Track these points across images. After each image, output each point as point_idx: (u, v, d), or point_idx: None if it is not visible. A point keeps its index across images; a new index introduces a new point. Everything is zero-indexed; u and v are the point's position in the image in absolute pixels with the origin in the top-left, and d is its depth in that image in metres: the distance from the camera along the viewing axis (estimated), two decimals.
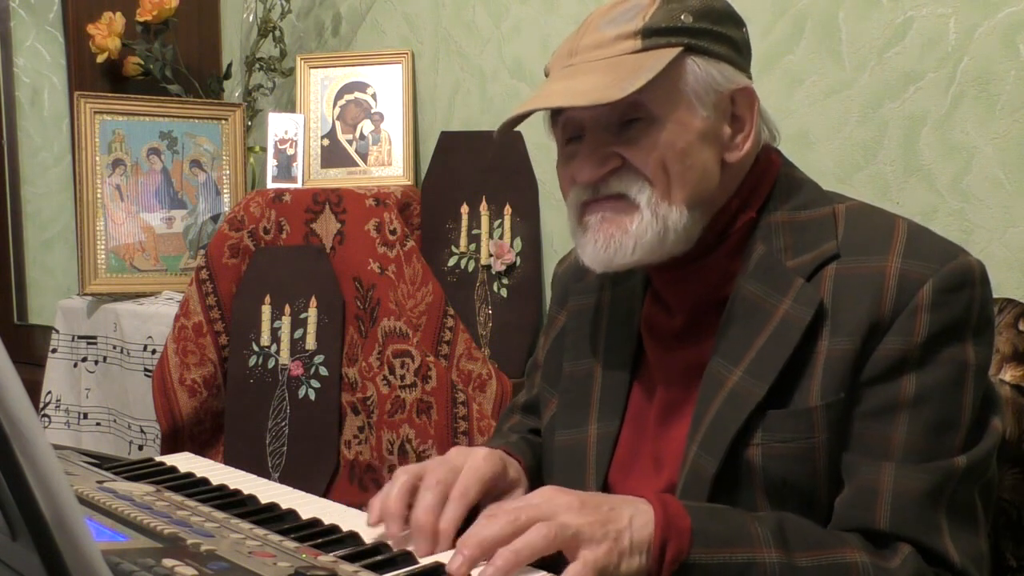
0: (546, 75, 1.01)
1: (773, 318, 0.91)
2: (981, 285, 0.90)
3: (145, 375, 2.10)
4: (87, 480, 0.99)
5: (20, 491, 0.41)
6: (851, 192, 1.21)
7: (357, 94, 2.30)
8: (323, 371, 1.97)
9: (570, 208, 0.99)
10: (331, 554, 0.79)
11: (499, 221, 2.05)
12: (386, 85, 2.28)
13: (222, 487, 1.03)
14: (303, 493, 1.02)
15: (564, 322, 1.14)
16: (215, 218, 2.35)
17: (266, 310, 2.01)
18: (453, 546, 0.83)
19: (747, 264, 0.96)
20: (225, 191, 2.36)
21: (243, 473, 1.11)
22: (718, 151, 0.96)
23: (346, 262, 1.99)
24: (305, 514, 0.92)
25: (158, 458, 1.17)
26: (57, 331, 2.34)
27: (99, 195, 2.27)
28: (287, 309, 2.00)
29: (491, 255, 2.04)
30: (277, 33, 2.40)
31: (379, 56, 2.30)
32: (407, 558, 0.82)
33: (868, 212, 0.97)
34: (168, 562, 0.69)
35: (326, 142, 2.29)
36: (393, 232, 1.98)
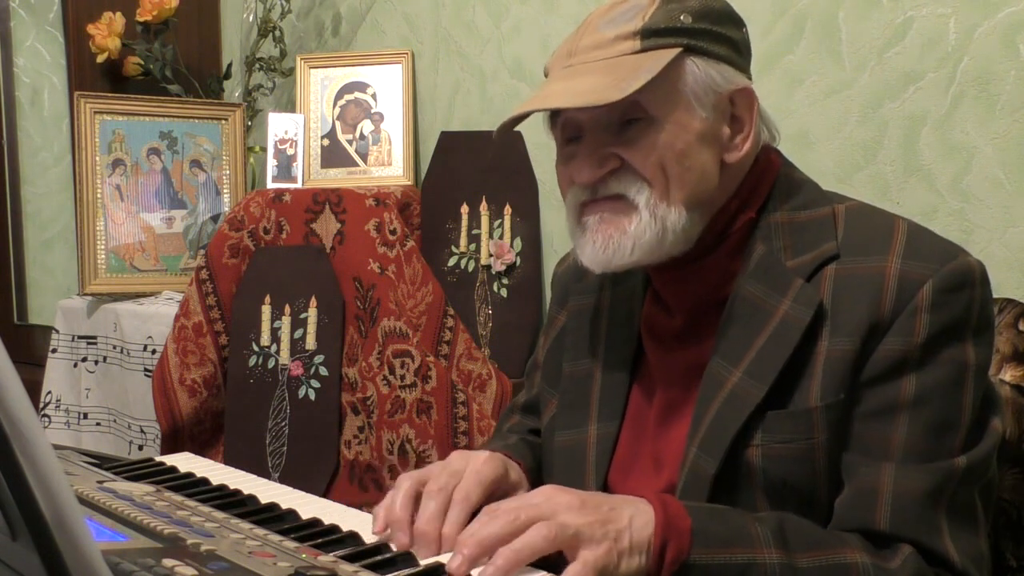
0: (545, 75, 1.01)
1: (773, 318, 0.91)
2: (981, 285, 0.90)
3: (145, 375, 2.10)
4: (87, 480, 0.99)
5: (20, 491, 0.41)
6: (851, 192, 1.21)
7: (357, 94, 2.30)
8: (323, 371, 1.97)
9: (569, 208, 0.99)
10: (331, 554, 0.79)
11: (499, 221, 2.05)
12: (386, 85, 2.28)
13: (222, 487, 1.03)
14: (303, 493, 1.02)
15: (564, 322, 1.14)
16: (215, 218, 2.35)
17: (266, 310, 2.01)
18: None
19: (747, 264, 0.96)
20: (225, 191, 2.36)
21: (243, 473, 1.11)
22: (717, 152, 0.95)
23: (346, 262, 1.99)
24: (305, 514, 0.92)
25: (158, 458, 1.17)
26: (57, 331, 2.34)
27: (99, 195, 2.27)
28: (287, 309, 2.00)
29: (491, 255, 2.04)
30: (277, 33, 2.40)
31: (379, 56, 2.30)
32: (407, 558, 0.82)
33: (868, 212, 0.97)
34: (168, 562, 0.69)
35: (326, 142, 2.29)
36: (393, 232, 1.98)
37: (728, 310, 0.95)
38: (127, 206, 2.30)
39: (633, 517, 0.80)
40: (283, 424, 1.97)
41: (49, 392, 2.33)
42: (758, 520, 0.84)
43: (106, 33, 2.37)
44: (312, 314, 1.99)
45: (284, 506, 0.94)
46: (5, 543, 0.48)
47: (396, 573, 0.78)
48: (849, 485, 0.88)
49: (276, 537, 0.82)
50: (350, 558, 0.79)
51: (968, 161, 1.50)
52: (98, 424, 2.28)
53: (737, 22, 0.98)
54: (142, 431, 2.14)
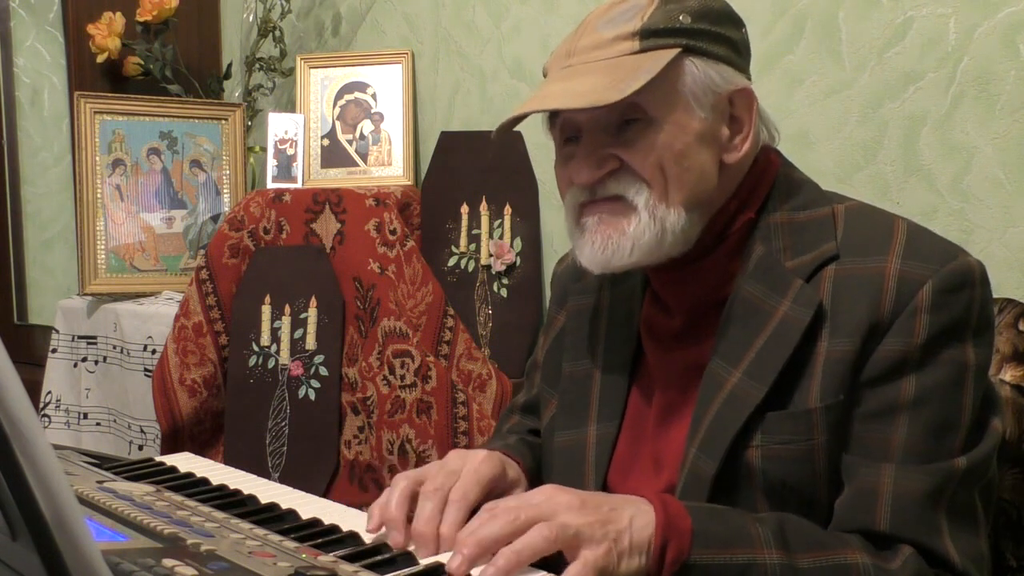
0: (544, 75, 1.01)
1: (772, 319, 0.91)
2: (981, 286, 0.90)
3: (145, 375, 2.10)
4: (87, 480, 0.99)
5: (20, 491, 0.41)
6: (851, 192, 1.21)
7: (357, 94, 2.30)
8: (323, 371, 1.97)
9: (568, 209, 0.99)
10: (331, 554, 0.79)
11: (499, 221, 2.05)
12: (386, 85, 2.28)
13: (222, 487, 1.03)
14: (303, 493, 1.02)
15: (563, 322, 1.14)
16: (215, 218, 2.35)
17: (266, 310, 2.01)
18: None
19: (746, 265, 0.96)
20: (225, 191, 2.36)
21: (243, 473, 1.11)
22: (716, 152, 0.95)
23: (346, 262, 1.99)
24: (305, 514, 0.92)
25: (158, 458, 1.17)
26: (57, 331, 2.34)
27: (99, 195, 2.27)
28: (287, 309, 2.00)
29: (491, 255, 2.04)
30: (277, 33, 2.40)
31: (379, 56, 2.30)
32: (407, 558, 0.82)
33: (867, 212, 0.97)
34: (168, 562, 0.69)
35: (326, 142, 2.29)
36: (393, 232, 1.98)
37: (727, 311, 0.95)
38: (127, 206, 2.30)
39: (633, 517, 0.80)
40: (283, 424, 1.97)
41: (49, 392, 2.33)
42: (758, 520, 0.84)
43: (106, 33, 2.37)
44: (312, 314, 1.99)
45: (284, 506, 0.94)
46: (5, 543, 0.48)
47: (396, 573, 0.78)
48: (849, 486, 0.88)
49: (276, 537, 0.82)
50: (350, 558, 0.79)
51: (968, 161, 1.50)
52: (98, 424, 2.28)
53: (736, 22, 0.98)
54: (142, 431, 2.14)
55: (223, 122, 2.36)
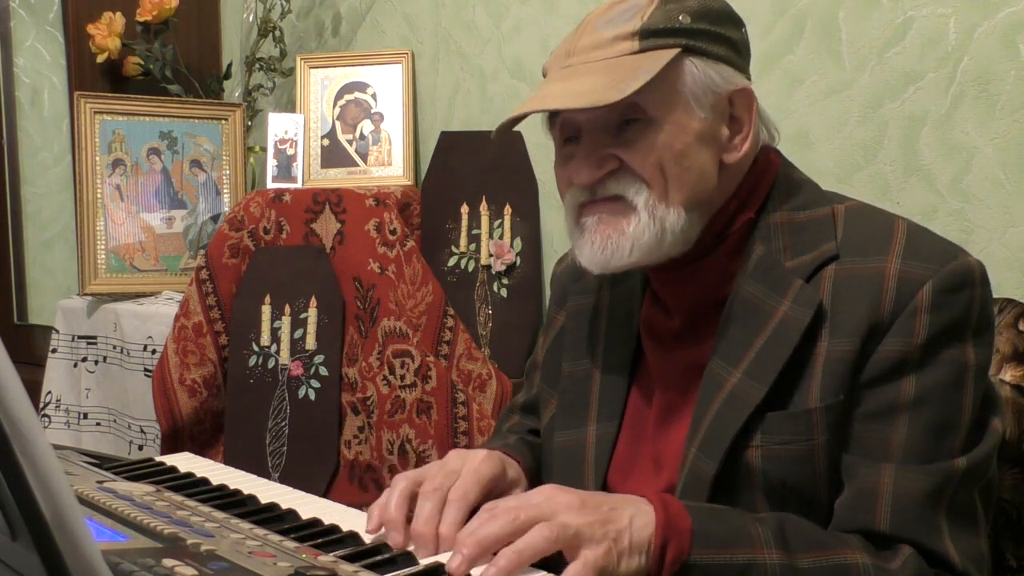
0: (544, 75, 1.01)
1: (772, 319, 0.91)
2: (981, 286, 0.90)
3: (145, 375, 2.10)
4: (87, 480, 0.99)
5: (20, 491, 0.41)
6: (851, 192, 1.21)
7: (357, 94, 2.30)
8: (323, 371, 1.97)
9: (567, 209, 0.99)
10: (331, 554, 0.79)
11: (499, 221, 2.05)
12: (386, 85, 2.28)
13: (222, 487, 1.03)
14: (303, 493, 1.02)
15: (563, 322, 1.13)
16: (215, 218, 2.35)
17: (266, 310, 2.01)
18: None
19: (746, 265, 0.96)
20: (225, 191, 2.36)
21: (243, 473, 1.11)
22: (716, 152, 0.95)
23: (346, 262, 1.99)
24: (305, 514, 0.92)
25: (158, 458, 1.17)
26: (57, 331, 2.34)
27: (99, 195, 2.27)
28: (287, 309, 2.00)
29: (491, 255, 2.04)
30: (277, 33, 2.40)
31: (379, 56, 2.30)
32: (407, 558, 0.82)
33: (867, 212, 0.97)
34: (168, 562, 0.69)
35: (326, 142, 2.29)
36: (393, 232, 1.98)
37: (727, 311, 0.95)
38: (127, 206, 2.30)
39: (633, 517, 0.80)
40: (283, 424, 1.97)
41: (49, 392, 2.33)
42: (758, 520, 0.84)
43: (106, 33, 2.37)
44: (312, 314, 1.99)
45: (284, 506, 0.94)
46: (5, 543, 0.48)
47: (396, 573, 0.78)
48: (849, 486, 0.88)
49: (276, 537, 0.82)
50: (350, 558, 0.79)
51: (968, 161, 1.50)
52: (98, 424, 2.28)
53: (736, 22, 0.98)
54: (142, 431, 2.14)
55: (223, 122, 2.36)
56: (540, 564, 0.79)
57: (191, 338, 2.02)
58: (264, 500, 0.97)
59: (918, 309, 0.87)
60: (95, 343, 2.27)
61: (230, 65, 2.55)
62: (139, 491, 0.96)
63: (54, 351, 2.34)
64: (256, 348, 2.00)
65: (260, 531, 0.84)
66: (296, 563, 0.74)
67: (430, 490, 0.89)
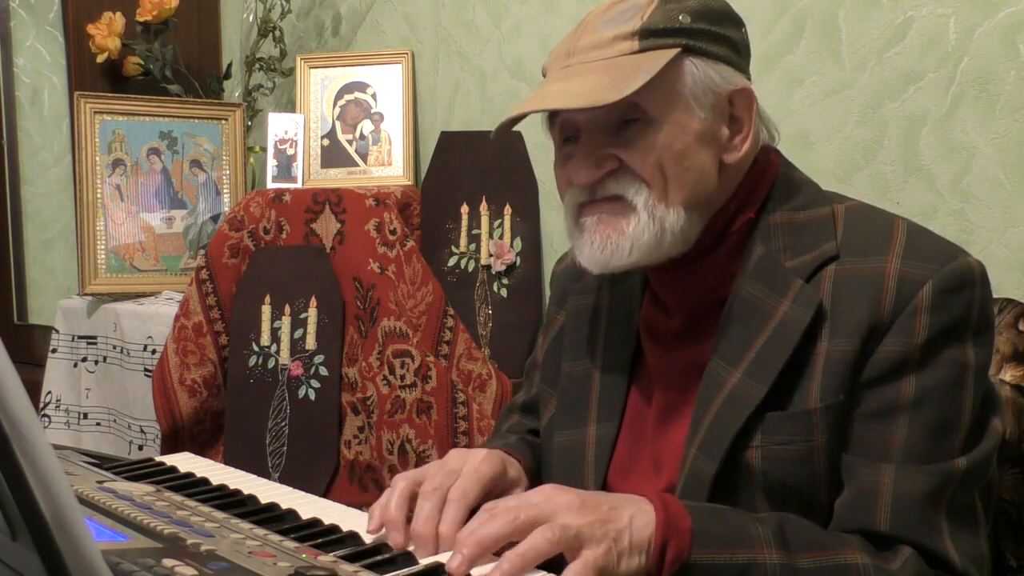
0: (543, 75, 1.01)
1: (772, 319, 0.91)
2: (981, 286, 0.90)
3: (145, 375, 2.10)
4: (87, 480, 0.99)
5: (20, 491, 0.41)
6: (851, 192, 1.21)
7: (357, 94, 2.30)
8: (323, 371, 1.97)
9: (567, 209, 0.99)
10: (331, 554, 0.79)
11: (499, 221, 2.05)
12: (386, 85, 2.28)
13: (222, 487, 1.03)
14: (303, 493, 1.02)
15: (563, 322, 1.13)
16: (215, 218, 2.35)
17: (266, 310, 2.01)
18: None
19: (746, 265, 0.95)
20: (225, 191, 2.36)
21: (243, 473, 1.11)
22: (716, 152, 0.95)
23: (346, 262, 1.99)
24: (305, 514, 0.92)
25: (158, 458, 1.17)
26: (57, 331, 2.34)
27: (99, 195, 2.27)
28: (287, 309, 2.00)
29: (491, 255, 2.04)
30: (277, 33, 2.40)
31: (379, 56, 2.30)
32: (407, 558, 0.82)
33: (867, 212, 0.97)
34: (168, 562, 0.69)
35: (326, 142, 2.29)
36: (393, 232, 1.98)
37: (727, 311, 0.95)
38: (127, 206, 2.30)
39: (634, 517, 0.80)
40: (283, 424, 1.97)
41: (49, 392, 2.33)
42: (759, 520, 0.84)
43: (106, 33, 2.37)
44: (312, 314, 1.99)
45: (284, 506, 0.94)
46: (5, 543, 0.48)
47: (396, 573, 0.78)
48: (849, 486, 0.88)
49: (276, 537, 0.82)
50: (350, 558, 0.79)
51: (968, 161, 1.50)
52: (98, 424, 2.28)
53: (736, 22, 0.98)
54: (142, 431, 2.14)
55: (223, 122, 2.36)
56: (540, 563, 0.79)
57: (191, 338, 2.02)
58: (264, 500, 0.97)
59: (918, 309, 0.87)
60: (95, 343, 2.27)
61: (230, 65, 2.55)
62: (139, 491, 0.96)
63: (54, 351, 2.34)
64: (256, 348, 2.00)
65: (260, 531, 0.84)
66: (296, 563, 0.74)
67: (429, 490, 0.89)
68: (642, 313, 1.04)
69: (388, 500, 0.89)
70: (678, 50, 0.92)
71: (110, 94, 2.34)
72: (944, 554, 0.84)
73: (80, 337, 2.30)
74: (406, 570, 0.79)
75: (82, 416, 2.30)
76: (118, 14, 2.38)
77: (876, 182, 1.60)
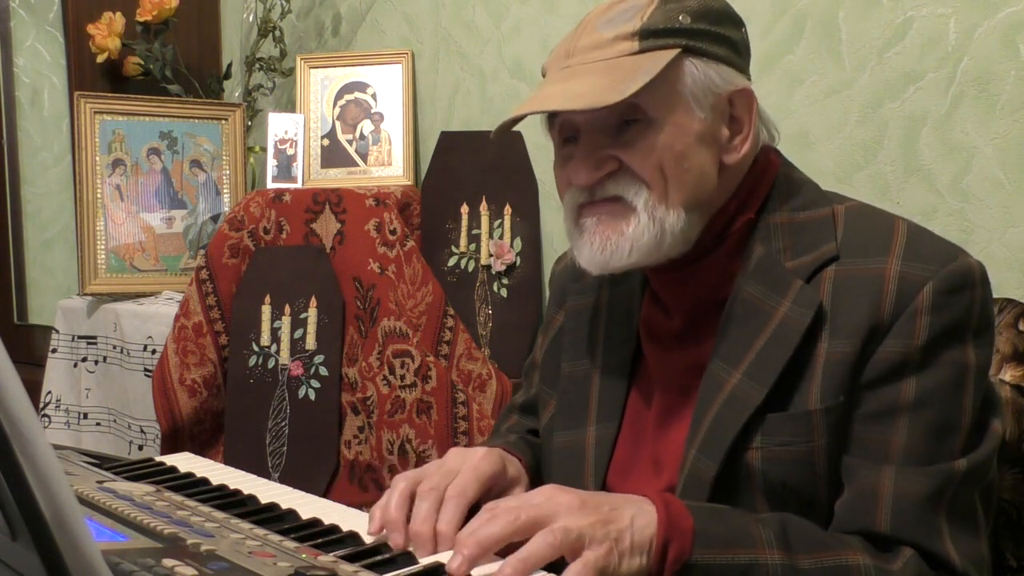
0: (543, 75, 1.00)
1: (772, 320, 0.91)
2: (981, 286, 0.90)
3: (145, 375, 2.10)
4: (87, 480, 0.99)
5: (20, 491, 0.41)
6: (851, 192, 1.21)
7: (357, 94, 2.30)
8: (323, 371, 1.97)
9: (566, 210, 0.99)
10: (331, 554, 0.79)
11: (499, 221, 2.05)
12: (386, 85, 2.28)
13: (222, 487, 1.03)
14: (303, 493, 1.02)
15: (562, 322, 1.13)
16: (215, 218, 2.35)
17: (266, 310, 2.01)
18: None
19: (746, 265, 0.95)
20: (225, 191, 2.36)
21: (243, 473, 1.11)
22: (716, 153, 0.95)
23: (346, 262, 1.99)
24: (305, 514, 0.92)
25: (158, 458, 1.17)
26: (57, 331, 2.34)
27: (99, 195, 2.27)
28: (287, 309, 2.00)
29: (491, 255, 2.04)
30: (277, 33, 2.40)
31: (379, 56, 2.30)
32: (407, 558, 0.82)
33: (867, 213, 0.97)
34: (168, 562, 0.69)
35: (326, 142, 2.29)
36: (393, 232, 1.98)
37: (727, 311, 0.95)
38: (127, 206, 2.30)
39: (635, 517, 0.80)
40: (283, 424, 1.97)
41: (49, 392, 2.33)
42: (760, 521, 0.84)
43: (106, 33, 2.37)
44: (312, 314, 1.99)
45: (284, 506, 0.94)
46: (5, 543, 0.48)
47: (396, 573, 0.78)
48: (849, 488, 0.88)
49: (276, 537, 0.82)
50: (350, 558, 0.79)
51: (968, 161, 1.50)
52: (98, 424, 2.28)
53: (736, 22, 0.98)
54: (142, 431, 2.14)
55: (223, 122, 2.36)
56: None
57: (191, 338, 2.02)
58: (264, 500, 0.97)
59: (918, 310, 0.87)
60: (95, 343, 2.27)
61: (230, 65, 2.55)
62: (139, 491, 0.96)
63: (54, 351, 2.34)
64: (256, 348, 2.00)
65: (260, 531, 0.84)
66: (296, 563, 0.74)
67: (427, 489, 0.89)
68: (642, 313, 1.04)
69: (388, 501, 0.89)
70: (678, 51, 0.92)
71: (110, 94, 2.34)
72: (945, 555, 0.84)
73: (80, 337, 2.30)
74: (406, 570, 0.79)
75: (82, 416, 2.30)
76: (118, 14, 2.38)
77: (876, 182, 1.60)
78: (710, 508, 0.86)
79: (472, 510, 0.88)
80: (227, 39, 2.71)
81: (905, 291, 0.87)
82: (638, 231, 0.92)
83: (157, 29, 2.39)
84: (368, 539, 0.86)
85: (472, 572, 0.78)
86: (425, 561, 0.82)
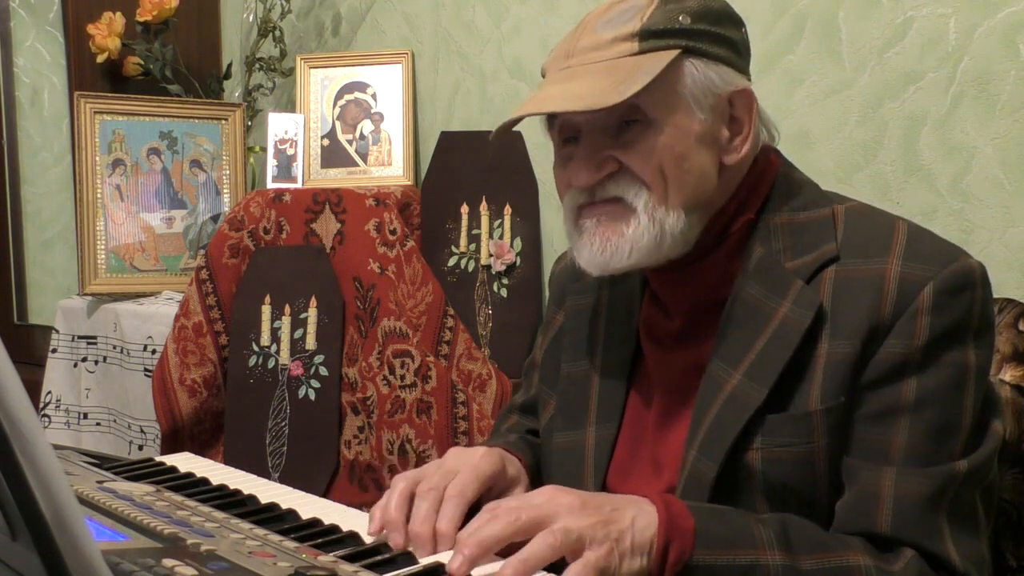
0: (542, 75, 1.00)
1: (772, 321, 0.91)
2: (982, 287, 0.90)
3: (145, 375, 2.10)
4: (87, 480, 0.99)
5: (20, 491, 0.41)
6: (851, 192, 1.21)
7: (357, 94, 2.30)
8: (323, 371, 1.97)
9: (566, 211, 0.99)
10: (331, 554, 0.79)
11: (499, 221, 2.05)
12: (386, 85, 2.28)
13: (222, 487, 1.03)
14: (303, 493, 1.02)
15: (562, 322, 1.13)
16: (215, 218, 2.35)
17: (266, 310, 2.01)
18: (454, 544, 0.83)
19: (746, 266, 0.95)
20: (225, 191, 2.36)
21: (243, 473, 1.11)
22: (716, 154, 0.95)
23: (346, 262, 1.99)
24: (305, 514, 0.92)
25: (158, 458, 1.17)
26: (57, 331, 2.34)
27: (99, 195, 2.27)
28: (287, 309, 2.00)
29: (491, 255, 2.04)
30: (277, 33, 2.40)
31: (379, 56, 2.30)
32: (407, 558, 0.82)
33: (868, 213, 0.97)
34: (168, 562, 0.69)
35: (326, 142, 2.29)
36: (393, 232, 1.98)
37: (727, 312, 0.95)
38: (127, 206, 2.30)
39: (636, 518, 0.80)
40: (283, 424, 1.97)
41: (49, 392, 2.33)
42: (761, 522, 0.84)
43: (106, 33, 2.37)
44: (312, 314, 1.99)
45: (284, 506, 0.94)
46: (5, 543, 0.48)
47: (396, 573, 0.78)
48: (850, 489, 0.88)
49: (276, 537, 0.82)
50: (350, 558, 0.79)
51: (968, 161, 1.50)
52: (98, 424, 2.28)
53: (736, 22, 0.98)
54: (142, 431, 2.14)
55: (223, 122, 2.36)
56: None
57: (191, 338, 2.02)
58: (264, 500, 0.96)
59: (919, 311, 0.87)
60: (95, 343, 2.27)
61: (230, 65, 2.55)
62: (139, 491, 0.96)
63: (54, 351, 2.34)
64: (256, 348, 2.00)
65: (260, 531, 0.84)
66: (296, 563, 0.74)
67: (426, 489, 0.89)
68: (642, 314, 1.04)
69: (387, 501, 0.89)
70: (678, 51, 0.92)
71: (110, 94, 2.34)
72: (945, 556, 0.84)
73: (80, 337, 2.30)
74: (406, 570, 0.79)
75: (82, 416, 2.30)
76: (118, 14, 2.38)
77: (876, 182, 1.60)
78: (711, 509, 0.86)
79: (473, 510, 0.88)
80: (227, 39, 2.71)
81: (906, 292, 0.87)
82: (638, 232, 0.92)
83: (157, 29, 2.39)
84: (368, 539, 0.86)
85: (472, 572, 0.77)
86: (425, 561, 0.82)
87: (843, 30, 1.62)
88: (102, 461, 1.14)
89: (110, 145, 2.28)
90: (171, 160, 2.33)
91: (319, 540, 0.84)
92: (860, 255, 0.91)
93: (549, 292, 1.23)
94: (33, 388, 2.34)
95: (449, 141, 2.12)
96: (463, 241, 2.06)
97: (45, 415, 2.32)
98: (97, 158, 2.27)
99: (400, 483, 0.91)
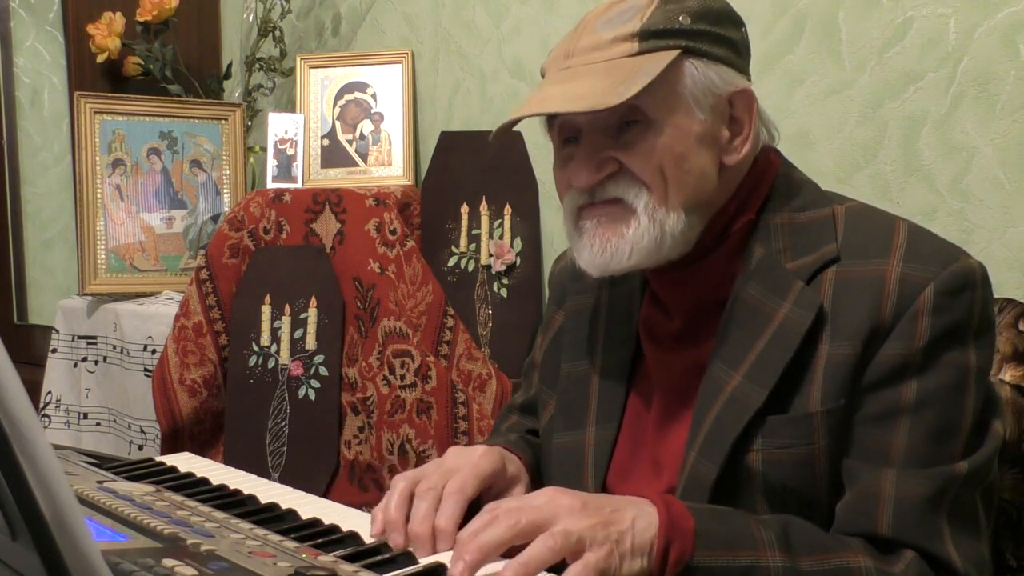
0: (542, 76, 1.00)
1: (773, 321, 0.91)
2: (982, 287, 0.90)
3: (145, 375, 2.10)
4: (87, 480, 0.99)
5: (20, 491, 0.41)
6: (851, 192, 1.21)
7: (357, 94, 2.30)
8: (323, 371, 1.97)
9: (566, 212, 0.99)
10: (331, 554, 0.79)
11: (499, 221, 2.05)
12: (386, 85, 2.28)
13: (222, 487, 1.03)
14: (303, 493, 1.02)
15: (562, 322, 1.13)
16: (215, 218, 2.35)
17: (266, 310, 2.01)
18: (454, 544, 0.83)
19: (746, 266, 0.95)
20: (225, 191, 2.36)
21: (243, 473, 1.11)
22: (716, 154, 0.95)
23: (346, 262, 1.99)
24: (305, 514, 0.92)
25: (158, 458, 1.17)
26: (57, 331, 2.34)
27: (99, 195, 2.27)
28: (287, 309, 2.00)
29: (491, 255, 2.04)
30: (277, 33, 2.40)
31: (379, 56, 2.30)
32: (407, 558, 0.82)
33: (868, 213, 0.97)
34: (168, 562, 0.69)
35: (326, 142, 2.29)
36: (393, 232, 1.98)
37: (728, 312, 0.95)
38: (127, 206, 2.30)
39: (636, 519, 0.80)
40: (283, 424, 1.97)
41: (49, 392, 2.33)
42: (761, 523, 0.84)
43: (106, 33, 2.37)
44: (312, 314, 1.99)
45: (284, 506, 0.94)
46: (5, 543, 0.48)
47: (396, 573, 0.78)
48: (850, 490, 0.88)
49: (276, 537, 0.82)
50: (350, 558, 0.79)
51: (968, 161, 1.50)
52: (98, 424, 2.28)
53: (736, 22, 0.98)
54: (142, 431, 2.14)
55: (223, 122, 2.36)
56: None
57: (191, 338, 2.02)
58: (264, 500, 0.96)
59: (920, 312, 0.87)
60: (95, 343, 2.27)
61: (230, 65, 2.55)
62: (139, 491, 0.96)
63: (54, 351, 2.34)
64: (256, 348, 2.00)
65: (260, 531, 0.84)
66: (296, 563, 0.74)
67: (425, 489, 0.89)
68: (642, 314, 1.04)
69: (388, 502, 0.89)
70: (678, 52, 0.91)
71: (110, 94, 2.34)
72: (946, 557, 0.84)
73: (80, 337, 2.30)
74: (406, 570, 0.79)
75: (82, 416, 2.30)
76: (118, 14, 2.38)
77: (876, 182, 1.60)
78: (711, 509, 0.86)
79: (473, 508, 0.88)
80: (227, 39, 2.71)
81: (906, 293, 0.87)
82: (638, 233, 0.92)
83: (157, 29, 2.39)
84: (368, 539, 0.86)
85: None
86: (425, 561, 0.82)
87: (843, 30, 1.62)
88: (102, 461, 1.14)
89: (110, 145, 2.28)
90: (171, 160, 2.33)
91: (319, 540, 0.84)
92: (860, 256, 0.91)
93: (549, 292, 1.23)
94: (33, 388, 2.34)
95: (449, 141, 2.12)
96: (463, 241, 2.06)
97: (45, 415, 2.32)
98: (97, 158, 2.27)
99: (400, 483, 0.91)
